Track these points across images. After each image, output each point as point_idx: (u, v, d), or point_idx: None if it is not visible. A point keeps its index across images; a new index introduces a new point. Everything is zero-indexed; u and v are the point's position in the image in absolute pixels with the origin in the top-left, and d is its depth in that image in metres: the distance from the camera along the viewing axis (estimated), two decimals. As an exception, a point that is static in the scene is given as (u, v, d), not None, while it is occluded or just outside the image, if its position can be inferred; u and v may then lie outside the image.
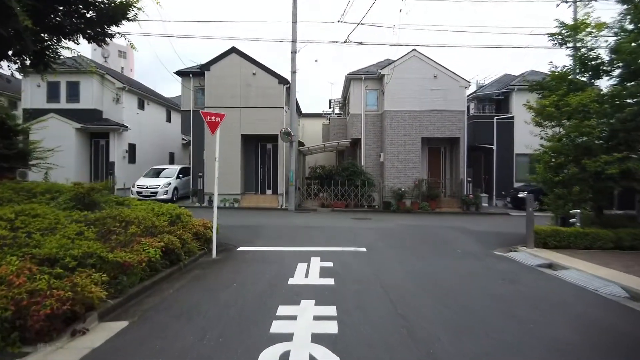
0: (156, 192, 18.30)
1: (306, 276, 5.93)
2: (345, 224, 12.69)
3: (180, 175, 19.98)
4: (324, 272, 6.15)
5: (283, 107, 18.20)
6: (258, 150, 19.92)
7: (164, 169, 20.29)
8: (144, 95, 22.25)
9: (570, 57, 10.52)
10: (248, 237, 9.67)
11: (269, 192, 19.75)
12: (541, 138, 9.93)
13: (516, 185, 19.84)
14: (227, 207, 17.75)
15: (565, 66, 10.36)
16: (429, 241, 9.64)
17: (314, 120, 29.68)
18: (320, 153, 23.51)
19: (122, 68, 47.79)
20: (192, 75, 19.13)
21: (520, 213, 17.21)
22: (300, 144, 22.79)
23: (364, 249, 8.22)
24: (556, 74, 10.18)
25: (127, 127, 19.90)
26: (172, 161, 25.73)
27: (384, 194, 17.88)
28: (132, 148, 21.06)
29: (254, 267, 6.63)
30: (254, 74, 18.21)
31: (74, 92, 19.63)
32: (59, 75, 19.52)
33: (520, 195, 18.06)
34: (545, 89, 10.28)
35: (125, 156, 20.37)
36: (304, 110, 29.83)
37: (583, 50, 10.00)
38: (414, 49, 18.18)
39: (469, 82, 18.20)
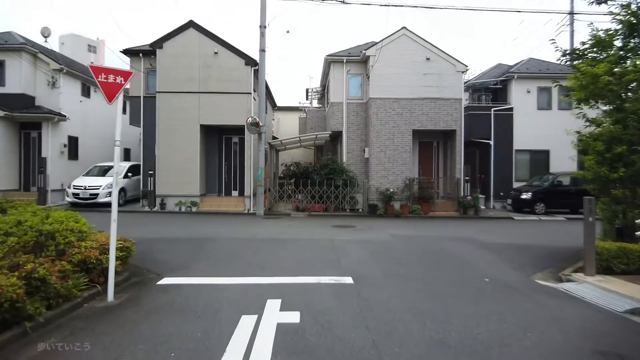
0: (96, 195, 15.20)
1: (247, 356, 3.17)
2: (324, 234, 9.99)
3: (130, 174, 16.89)
4: (282, 342, 3.40)
5: (250, 93, 15.36)
6: (222, 145, 16.99)
7: (112, 167, 17.12)
8: (90, 81, 18.95)
9: (614, 20, 8.09)
10: (186, 258, 6.84)
11: (235, 193, 16.86)
12: (586, 121, 7.45)
13: (516, 185, 17.58)
14: (182, 212, 14.79)
15: (609, 29, 7.92)
16: (439, 262, 7.01)
17: (290, 115, 26.97)
18: (295, 149, 20.77)
19: (92, 63, 43.92)
20: (142, 54, 16.04)
21: (526, 217, 14.91)
22: (274, 139, 19.99)
23: (349, 280, 5.52)
24: (599, 38, 7.72)
25: (64, 116, 16.64)
26: (128, 158, 22.42)
27: (369, 195, 15.27)
28: (73, 142, 17.79)
29: (162, 327, 3.81)
30: (216, 52, 15.30)
31: (-3, 74, 16.27)
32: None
33: (524, 196, 15.76)
34: (583, 57, 7.79)
35: (63, 151, 17.09)
36: (279, 104, 27.14)
37: (633, 7, 7.59)
38: (404, 27, 15.64)
39: (466, 65, 15.78)
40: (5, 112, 15.52)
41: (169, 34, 15.36)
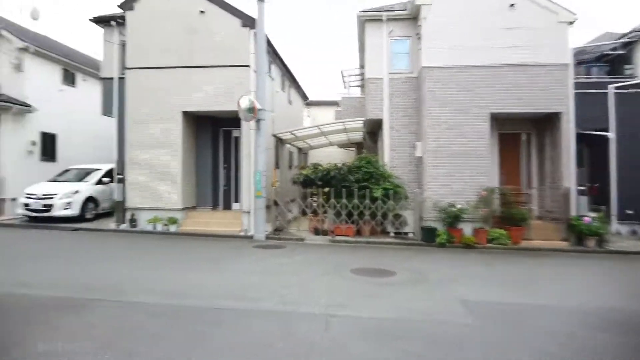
0: (51, 206, 11.43)
1: None
2: (324, 296, 5.06)
3: (106, 179, 13.04)
4: None
5: (250, 65, 10.85)
6: (218, 140, 12.59)
7: (93, 170, 13.41)
8: (76, 66, 15.56)
9: None
10: None
11: (236, 206, 12.35)
12: None
13: (651, 198, 11.45)
14: (156, 233, 10.55)
15: None
16: None
17: (328, 110, 22.29)
18: (326, 147, 16.01)
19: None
20: (116, 23, 12.17)
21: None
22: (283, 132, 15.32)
23: None
24: None
25: (29, 106, 13.22)
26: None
27: (424, 212, 10.07)
28: (49, 139, 14.37)
29: None
30: (202, 12, 10.99)
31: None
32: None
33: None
34: None
35: (32, 150, 13.66)
36: (317, 98, 22.72)
37: None
38: (476, -40, 10.38)
39: (574, 14, 10.15)
40: (-48, 101, 12.33)
41: (143, -10, 11.34)
